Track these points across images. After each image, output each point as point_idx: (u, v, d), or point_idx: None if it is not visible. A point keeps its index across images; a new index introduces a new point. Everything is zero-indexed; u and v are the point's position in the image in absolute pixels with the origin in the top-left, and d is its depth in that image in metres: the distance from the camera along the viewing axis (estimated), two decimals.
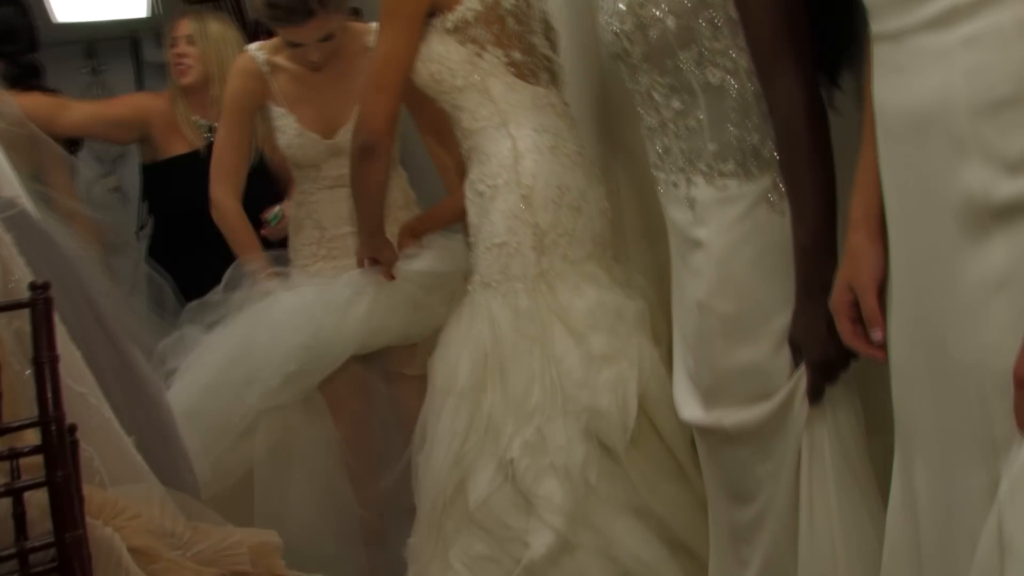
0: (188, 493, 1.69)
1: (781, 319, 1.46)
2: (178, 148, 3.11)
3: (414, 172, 2.57)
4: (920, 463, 1.13)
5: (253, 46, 2.45)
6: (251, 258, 2.44)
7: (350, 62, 2.39)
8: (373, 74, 1.89)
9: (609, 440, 1.77)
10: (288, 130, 2.38)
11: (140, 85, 5.07)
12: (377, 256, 2.17)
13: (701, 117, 1.51)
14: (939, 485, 1.10)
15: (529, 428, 1.77)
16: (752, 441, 1.51)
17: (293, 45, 2.29)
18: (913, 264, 1.12)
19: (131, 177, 4.23)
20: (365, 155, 1.93)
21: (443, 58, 1.87)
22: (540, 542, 1.75)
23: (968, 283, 1.03)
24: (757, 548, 1.54)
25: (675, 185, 1.56)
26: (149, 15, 4.30)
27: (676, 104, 1.53)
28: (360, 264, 2.20)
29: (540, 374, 1.78)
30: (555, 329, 1.81)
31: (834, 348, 1.37)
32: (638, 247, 2.03)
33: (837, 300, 1.29)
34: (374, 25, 2.41)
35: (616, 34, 1.55)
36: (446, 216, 2.31)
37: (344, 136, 2.34)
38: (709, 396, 1.56)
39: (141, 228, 3.45)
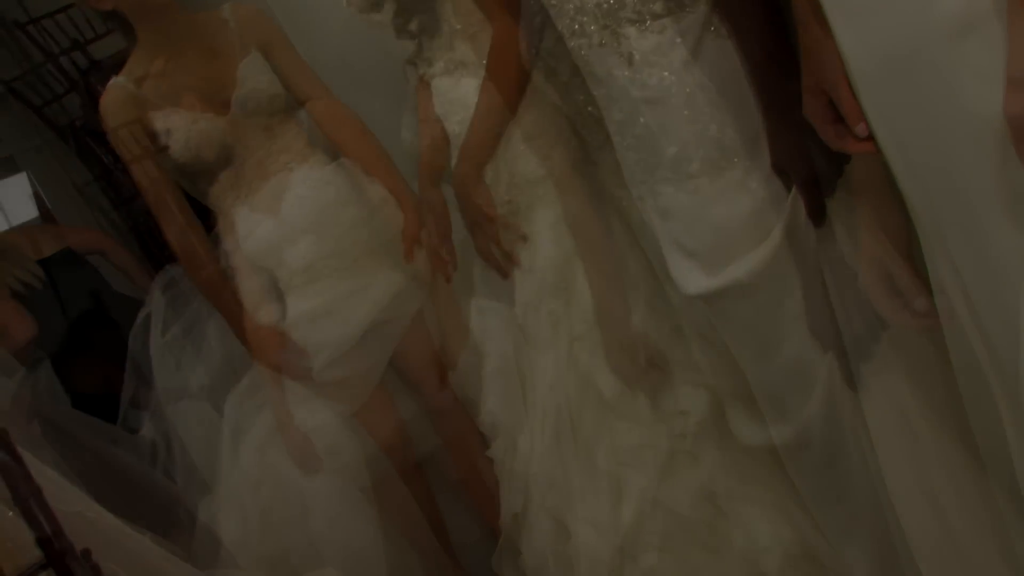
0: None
1: (762, 147, 1.34)
2: None
3: None
4: (953, 232, 1.03)
5: (112, 82, 2.08)
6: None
7: (188, 24, 2.10)
8: None
9: None
10: (180, 124, 2.04)
11: None
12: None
13: None
14: (977, 245, 1.01)
15: (639, 299, 1.67)
16: (770, 283, 1.40)
17: None
18: (877, 47, 0.99)
19: None
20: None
21: None
22: (698, 404, 1.66)
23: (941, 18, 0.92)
24: (813, 392, 1.44)
25: (602, 44, 1.40)
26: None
27: None
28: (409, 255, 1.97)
29: (630, 242, 1.70)
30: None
31: (822, 160, 1.26)
32: None
33: (811, 106, 1.15)
34: None
35: None
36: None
37: (240, 98, 2.06)
38: (715, 257, 1.42)
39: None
